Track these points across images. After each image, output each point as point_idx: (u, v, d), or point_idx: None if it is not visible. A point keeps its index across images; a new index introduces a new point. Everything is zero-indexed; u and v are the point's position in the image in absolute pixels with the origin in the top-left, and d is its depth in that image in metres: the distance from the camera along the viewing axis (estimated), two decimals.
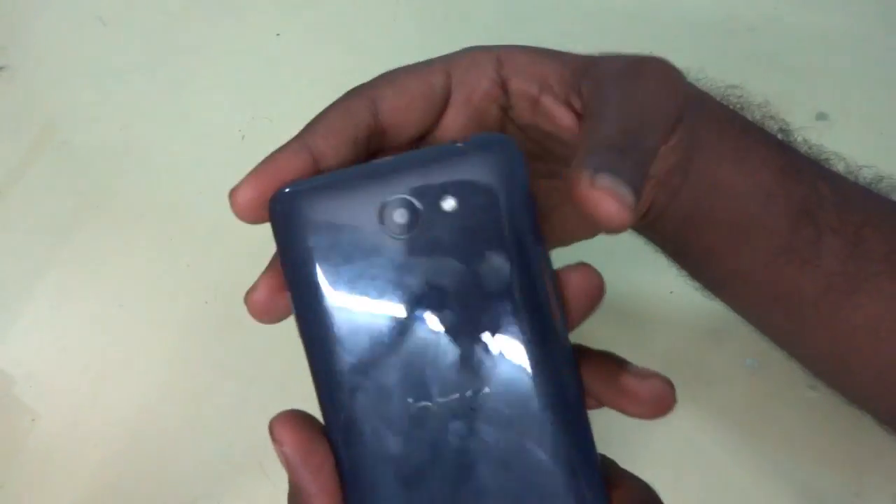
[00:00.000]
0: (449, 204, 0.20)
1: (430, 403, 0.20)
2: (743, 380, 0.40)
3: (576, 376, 0.21)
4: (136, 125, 0.48)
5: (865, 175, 0.32)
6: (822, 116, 0.48)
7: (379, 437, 0.20)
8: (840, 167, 0.31)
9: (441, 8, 0.52)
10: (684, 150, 0.28)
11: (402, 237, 0.20)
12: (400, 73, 0.27)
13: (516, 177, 0.21)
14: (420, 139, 0.27)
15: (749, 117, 0.31)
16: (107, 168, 0.47)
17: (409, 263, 0.20)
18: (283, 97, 0.48)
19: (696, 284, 0.33)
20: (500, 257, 0.20)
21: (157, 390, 0.40)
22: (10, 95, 0.50)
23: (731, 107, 0.31)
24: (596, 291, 0.21)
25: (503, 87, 0.27)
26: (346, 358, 0.20)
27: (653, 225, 0.31)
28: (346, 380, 0.20)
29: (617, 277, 0.43)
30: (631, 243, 0.44)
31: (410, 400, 0.20)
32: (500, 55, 0.27)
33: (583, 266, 0.21)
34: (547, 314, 0.21)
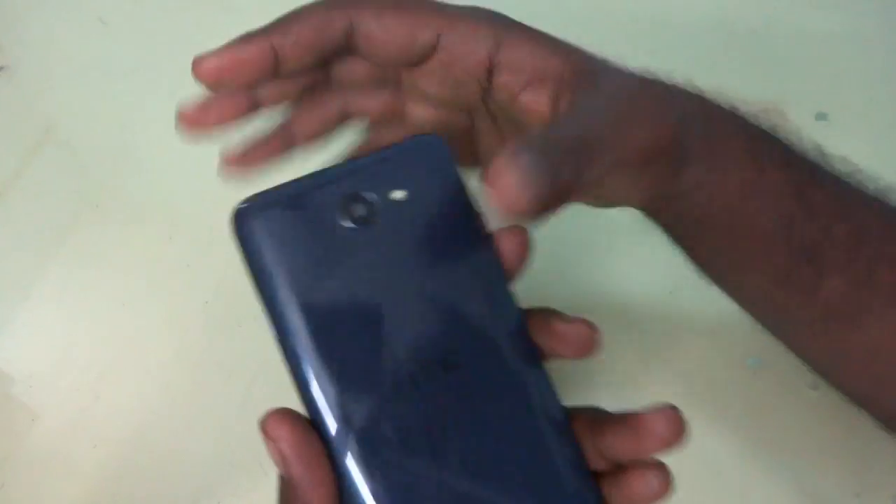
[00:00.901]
0: (397, 195, 0.23)
1: (406, 376, 0.22)
2: (743, 380, 0.40)
3: (525, 330, 0.24)
4: (136, 125, 0.48)
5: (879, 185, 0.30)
6: (821, 116, 0.48)
7: (364, 420, 0.21)
8: (858, 176, 0.30)
9: None
10: (668, 179, 0.27)
11: (359, 228, 0.23)
12: (390, 5, 0.26)
13: (448, 166, 0.24)
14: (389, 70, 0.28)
15: (767, 128, 0.29)
16: (107, 168, 0.47)
17: (370, 252, 0.23)
18: None
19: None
20: (449, 236, 0.23)
21: (158, 390, 0.40)
22: (9, 95, 0.50)
23: (746, 117, 0.29)
24: (522, 244, 0.24)
25: (489, 71, 0.27)
26: (326, 351, 0.22)
27: (658, 221, 0.31)
28: (327, 373, 0.22)
29: (617, 277, 0.43)
30: (631, 243, 0.44)
31: (389, 376, 0.22)
32: (502, 38, 0.26)
33: (508, 228, 0.24)
34: (496, 278, 0.23)
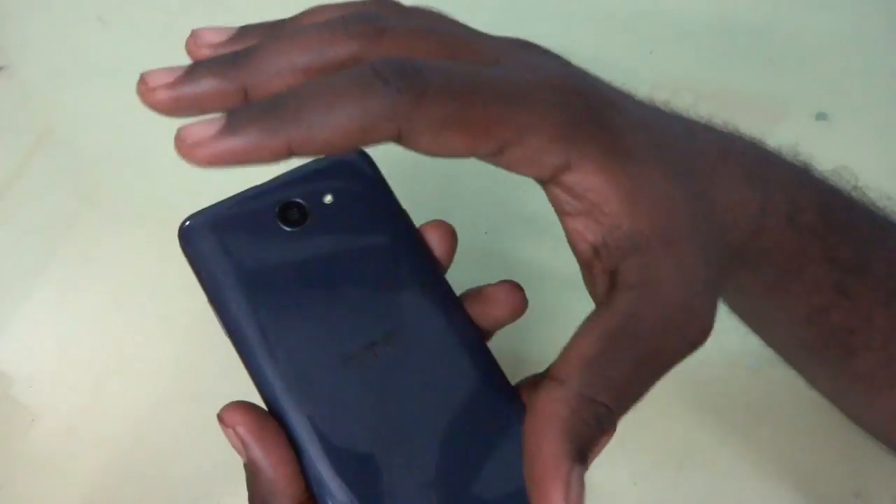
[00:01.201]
0: (328, 198, 0.25)
1: (352, 356, 0.23)
2: (743, 380, 0.40)
3: (461, 306, 0.25)
4: (135, 125, 0.48)
5: None
6: (821, 116, 0.48)
7: (315, 402, 0.23)
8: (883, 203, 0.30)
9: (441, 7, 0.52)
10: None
11: (295, 230, 0.25)
12: (452, 120, 0.20)
13: (374, 173, 0.26)
14: None
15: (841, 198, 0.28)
16: (107, 168, 0.47)
17: (308, 251, 0.25)
18: None
19: None
20: (381, 231, 0.25)
21: (158, 390, 0.40)
22: (9, 95, 0.50)
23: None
24: (448, 235, 0.26)
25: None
26: (274, 344, 0.23)
27: None
28: (278, 364, 0.23)
29: None
30: None
31: (336, 358, 0.23)
32: (571, 158, 0.21)
33: (434, 222, 0.26)
34: (427, 265, 0.25)
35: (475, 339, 0.25)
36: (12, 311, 0.42)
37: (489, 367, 0.25)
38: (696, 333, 0.22)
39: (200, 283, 0.25)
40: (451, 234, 0.26)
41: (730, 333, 0.33)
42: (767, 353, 0.33)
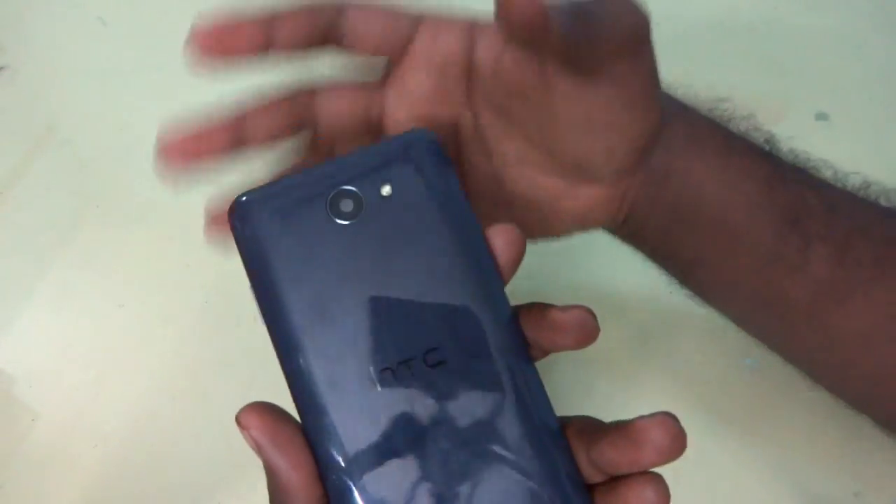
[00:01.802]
0: (387, 190, 0.23)
1: (390, 368, 0.22)
2: (743, 380, 0.40)
3: (518, 328, 0.23)
4: (136, 125, 0.48)
5: (853, 181, 0.31)
6: (821, 116, 0.48)
7: (344, 407, 0.22)
8: (828, 174, 0.31)
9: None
10: (639, 158, 0.28)
11: (349, 224, 0.23)
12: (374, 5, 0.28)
13: (441, 162, 0.24)
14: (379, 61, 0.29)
15: (735, 129, 0.31)
16: (107, 168, 0.47)
17: (361, 245, 0.23)
18: None
19: (687, 291, 0.33)
20: (441, 232, 0.23)
21: (158, 390, 0.40)
22: (10, 95, 0.50)
23: (718, 120, 0.31)
24: (516, 243, 0.23)
25: (468, 51, 0.28)
26: (313, 343, 0.22)
27: (637, 234, 0.31)
28: (313, 365, 0.22)
29: (616, 277, 0.43)
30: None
31: (372, 368, 0.22)
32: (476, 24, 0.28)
33: (500, 226, 0.23)
34: (487, 275, 0.23)
35: (524, 372, 0.23)
36: (13, 311, 0.42)
37: (534, 405, 0.22)
38: None
39: (244, 264, 0.23)
40: (518, 242, 0.23)
41: (729, 333, 0.34)
42: (767, 353, 0.33)
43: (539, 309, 0.23)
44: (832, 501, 0.37)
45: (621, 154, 0.28)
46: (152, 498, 0.38)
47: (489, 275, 0.23)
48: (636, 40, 0.26)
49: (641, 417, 0.21)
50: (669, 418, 0.21)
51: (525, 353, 0.23)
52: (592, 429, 0.22)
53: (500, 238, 0.23)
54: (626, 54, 0.26)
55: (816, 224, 0.28)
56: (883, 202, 0.31)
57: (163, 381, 0.40)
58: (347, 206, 0.23)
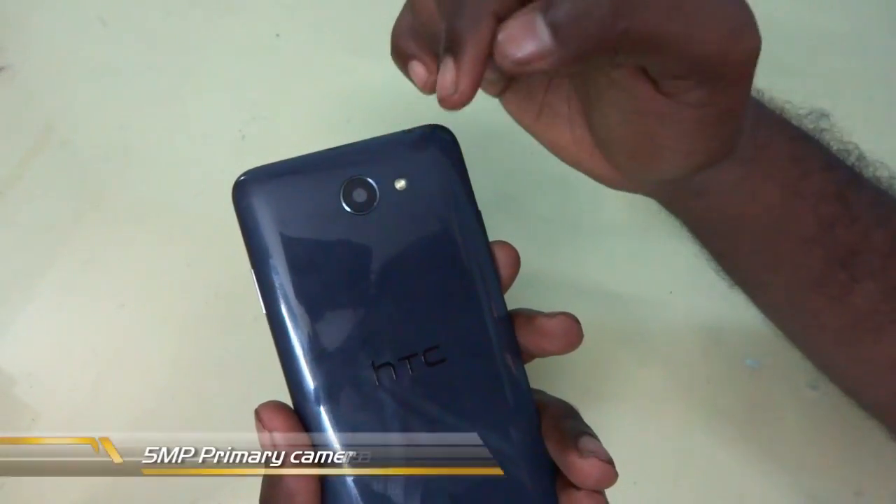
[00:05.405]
0: (402, 184, 0.23)
1: (390, 362, 0.22)
2: (743, 380, 0.40)
3: (512, 331, 0.23)
4: (136, 125, 0.48)
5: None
6: (822, 116, 0.48)
7: (339, 399, 0.22)
8: (884, 174, 0.30)
9: None
10: (717, 157, 0.26)
11: (358, 213, 0.22)
12: None
13: (457, 163, 0.23)
14: None
15: (823, 147, 0.29)
16: (107, 168, 0.47)
17: (368, 238, 0.22)
18: (283, 97, 0.48)
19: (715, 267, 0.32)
20: (446, 231, 0.23)
21: (158, 390, 0.40)
22: (10, 95, 0.50)
23: (801, 146, 0.29)
24: (516, 263, 0.24)
25: None
26: (311, 333, 0.22)
27: (700, 210, 0.29)
28: (314, 352, 0.22)
29: (617, 278, 0.43)
30: (631, 245, 0.44)
31: (372, 361, 0.22)
32: None
33: (502, 243, 0.24)
34: (488, 278, 0.23)
35: (516, 377, 0.23)
36: (14, 311, 0.42)
37: (521, 410, 0.23)
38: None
39: (246, 246, 0.22)
40: (515, 259, 0.24)
41: (729, 333, 0.34)
42: (767, 353, 0.33)
43: (526, 315, 0.24)
44: (832, 501, 0.37)
45: (668, 175, 0.26)
46: (152, 498, 0.38)
47: (490, 283, 0.23)
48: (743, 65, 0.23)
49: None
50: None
51: (519, 356, 0.23)
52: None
53: (501, 253, 0.24)
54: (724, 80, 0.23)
55: (874, 263, 0.28)
56: None
57: (163, 381, 0.40)
58: (361, 195, 0.22)
